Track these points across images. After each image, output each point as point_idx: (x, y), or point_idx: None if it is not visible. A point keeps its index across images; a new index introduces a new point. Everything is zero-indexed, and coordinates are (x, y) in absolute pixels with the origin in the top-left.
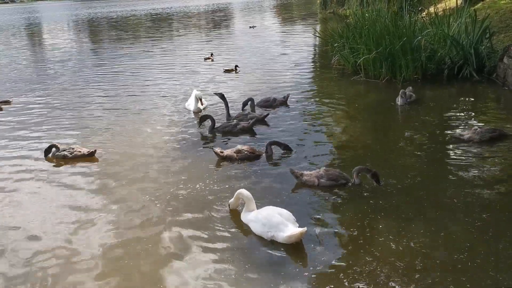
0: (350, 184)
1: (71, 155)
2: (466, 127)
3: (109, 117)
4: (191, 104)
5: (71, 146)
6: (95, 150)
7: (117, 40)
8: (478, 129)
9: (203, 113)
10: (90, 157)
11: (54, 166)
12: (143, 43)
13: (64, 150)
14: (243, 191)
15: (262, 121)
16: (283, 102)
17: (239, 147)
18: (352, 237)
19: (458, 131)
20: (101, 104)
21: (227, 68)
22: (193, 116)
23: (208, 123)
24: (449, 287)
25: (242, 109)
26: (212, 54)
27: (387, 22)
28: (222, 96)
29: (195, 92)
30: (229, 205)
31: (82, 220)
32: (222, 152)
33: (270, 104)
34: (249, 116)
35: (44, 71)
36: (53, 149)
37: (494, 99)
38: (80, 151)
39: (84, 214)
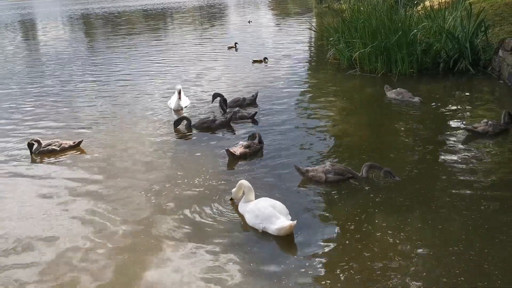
0: (357, 177)
1: (59, 148)
2: (467, 120)
3: (102, 110)
4: (172, 103)
5: (55, 139)
6: (82, 140)
7: (116, 35)
8: (489, 121)
9: (184, 111)
10: (76, 147)
11: (42, 161)
12: (142, 38)
13: (49, 145)
14: (244, 182)
15: (252, 119)
16: (253, 101)
17: (244, 142)
18: (349, 232)
19: (470, 123)
20: (95, 98)
21: (256, 59)
22: (175, 114)
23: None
24: (443, 280)
25: (212, 101)
26: (236, 44)
27: (383, 16)
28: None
29: (178, 88)
30: (231, 193)
31: (77, 216)
32: (235, 152)
33: (239, 104)
34: (238, 116)
35: (35, 65)
36: (36, 145)
37: (490, 92)
38: (66, 143)
39: (80, 210)
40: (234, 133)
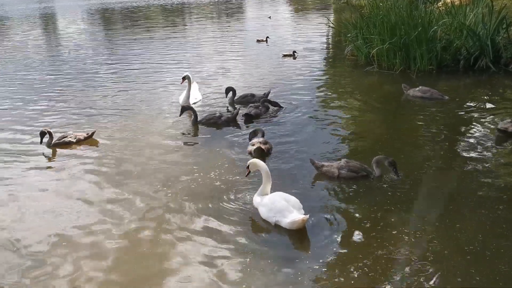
0: (371, 176)
1: (75, 140)
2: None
3: (117, 102)
4: (180, 98)
5: (69, 131)
6: (94, 131)
7: (134, 29)
8: None
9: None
10: (89, 138)
11: (57, 153)
12: (161, 32)
13: (65, 137)
14: (263, 166)
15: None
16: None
17: (260, 139)
18: (364, 229)
19: (500, 123)
20: (111, 91)
21: (285, 53)
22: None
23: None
24: (458, 279)
25: (226, 96)
26: (267, 38)
27: (402, 12)
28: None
29: (194, 85)
30: (249, 163)
31: (89, 210)
32: (264, 148)
33: (247, 100)
34: (253, 112)
35: (53, 58)
36: (47, 138)
37: (511, 90)
38: (81, 135)
39: (92, 204)
40: (240, 129)
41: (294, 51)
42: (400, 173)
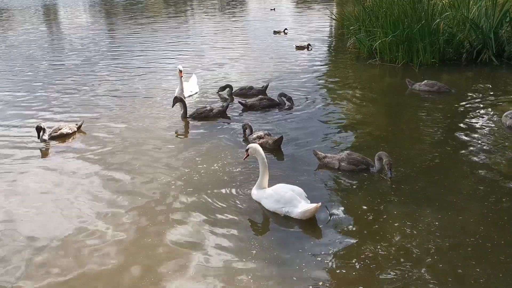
0: (371, 169)
1: (71, 131)
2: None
3: (115, 95)
4: (176, 90)
5: (60, 123)
6: (83, 122)
7: (136, 21)
8: None
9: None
10: (79, 129)
11: (52, 145)
12: (164, 24)
13: (60, 129)
14: (262, 156)
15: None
16: (261, 91)
17: (263, 132)
18: (367, 221)
19: (501, 118)
20: (111, 82)
21: (298, 45)
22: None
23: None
24: (459, 271)
25: (218, 93)
26: (286, 29)
27: (405, 5)
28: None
29: (193, 78)
30: (248, 147)
31: (89, 204)
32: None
33: (245, 92)
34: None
35: (54, 49)
36: (41, 132)
37: None
38: (73, 126)
39: (92, 197)
40: (233, 122)
41: (309, 44)
42: (394, 173)
